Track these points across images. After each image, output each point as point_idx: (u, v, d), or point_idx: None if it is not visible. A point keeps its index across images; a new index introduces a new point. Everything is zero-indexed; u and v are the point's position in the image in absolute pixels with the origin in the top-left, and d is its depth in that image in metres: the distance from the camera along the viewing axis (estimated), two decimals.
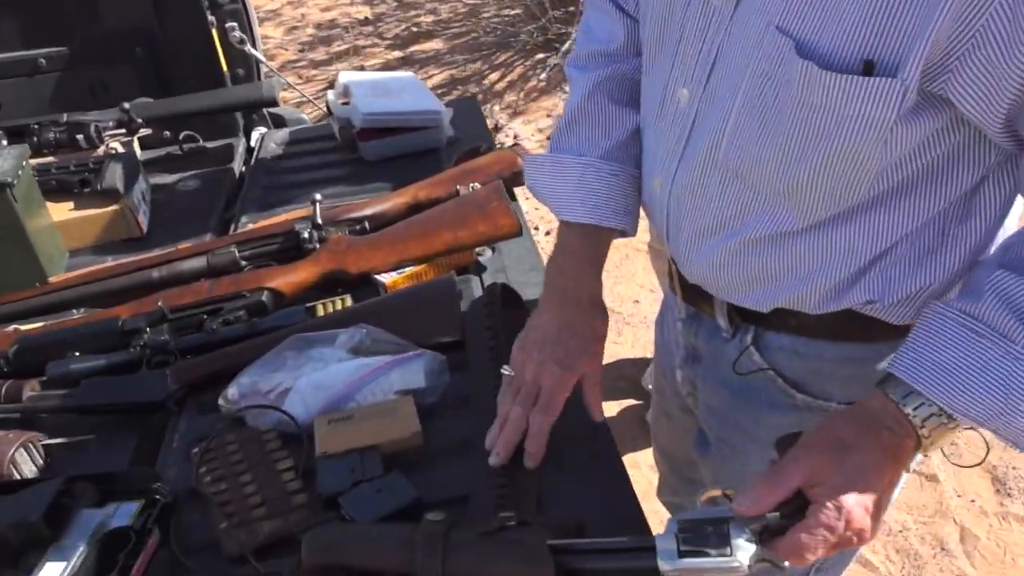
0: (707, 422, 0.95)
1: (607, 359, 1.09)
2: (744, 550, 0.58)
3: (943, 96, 0.59)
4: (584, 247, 0.86)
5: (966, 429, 0.63)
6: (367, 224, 1.18)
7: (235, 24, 1.70)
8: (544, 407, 0.79)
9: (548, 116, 3.56)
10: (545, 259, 0.95)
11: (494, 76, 3.89)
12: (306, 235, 1.13)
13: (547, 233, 2.80)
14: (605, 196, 0.85)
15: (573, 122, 0.88)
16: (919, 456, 0.67)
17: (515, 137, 3.42)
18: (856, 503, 0.59)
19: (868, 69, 0.58)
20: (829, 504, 0.58)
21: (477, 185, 1.21)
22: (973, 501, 1.85)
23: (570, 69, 0.92)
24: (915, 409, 0.62)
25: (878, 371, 0.74)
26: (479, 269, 1.14)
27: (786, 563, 0.60)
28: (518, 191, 1.30)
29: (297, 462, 0.79)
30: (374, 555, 0.66)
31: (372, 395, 0.86)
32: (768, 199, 0.71)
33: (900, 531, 1.79)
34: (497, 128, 3.48)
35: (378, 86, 1.60)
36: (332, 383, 0.86)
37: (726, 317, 0.83)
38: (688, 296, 0.88)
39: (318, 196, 1.19)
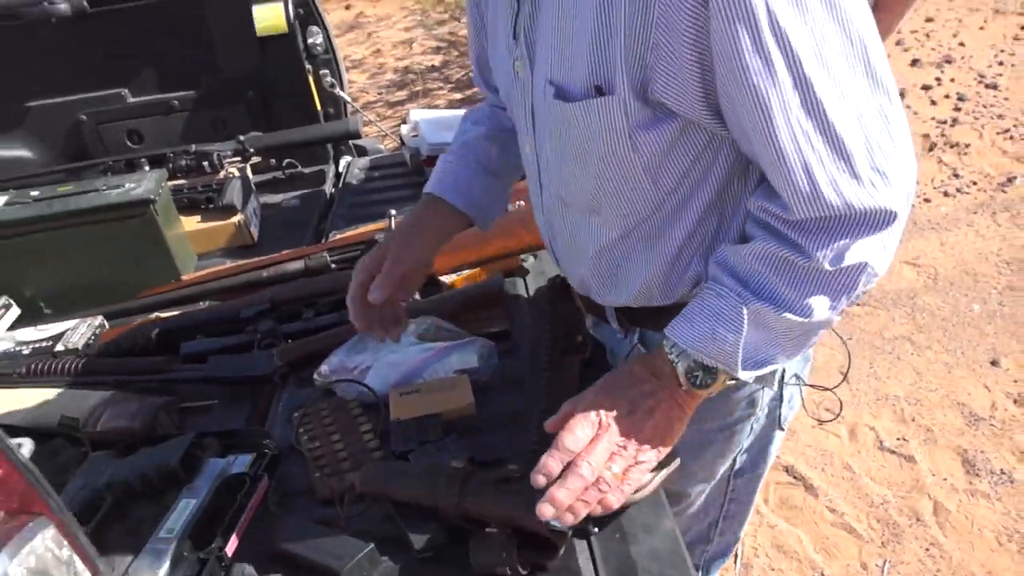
0: None
1: None
2: None
3: (667, 106, 0.63)
4: (425, 214, 0.91)
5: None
6: None
7: (327, 71, 1.76)
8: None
9: None
10: None
11: None
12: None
13: None
14: (441, 172, 0.91)
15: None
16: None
17: None
18: (586, 408, 0.66)
19: (599, 92, 0.64)
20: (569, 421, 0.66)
21: (522, 203, 1.23)
22: (946, 479, 1.80)
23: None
24: (670, 349, 0.67)
25: None
26: (523, 272, 1.16)
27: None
28: None
29: (375, 425, 0.81)
30: (409, 488, 0.69)
31: (435, 373, 0.88)
32: (589, 217, 0.75)
33: (881, 503, 1.76)
34: None
35: (442, 121, 1.63)
36: (404, 363, 0.88)
37: (616, 321, 0.87)
38: (587, 306, 0.92)
39: (393, 212, 1.22)
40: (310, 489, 0.76)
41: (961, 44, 3.73)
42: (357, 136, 1.68)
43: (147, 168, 1.47)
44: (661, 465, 0.68)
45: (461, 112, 1.76)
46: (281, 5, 1.65)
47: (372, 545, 0.66)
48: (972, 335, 2.21)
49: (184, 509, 0.70)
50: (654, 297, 0.77)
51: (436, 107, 4.01)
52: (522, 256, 1.16)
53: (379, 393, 0.86)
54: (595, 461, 0.63)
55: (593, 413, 0.65)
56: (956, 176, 2.96)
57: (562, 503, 0.60)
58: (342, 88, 1.78)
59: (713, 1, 0.53)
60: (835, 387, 0.83)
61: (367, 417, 0.83)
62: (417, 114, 1.65)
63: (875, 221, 0.59)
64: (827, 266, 0.60)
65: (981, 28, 3.83)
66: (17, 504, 0.40)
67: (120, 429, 0.85)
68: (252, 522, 0.72)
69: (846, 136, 0.57)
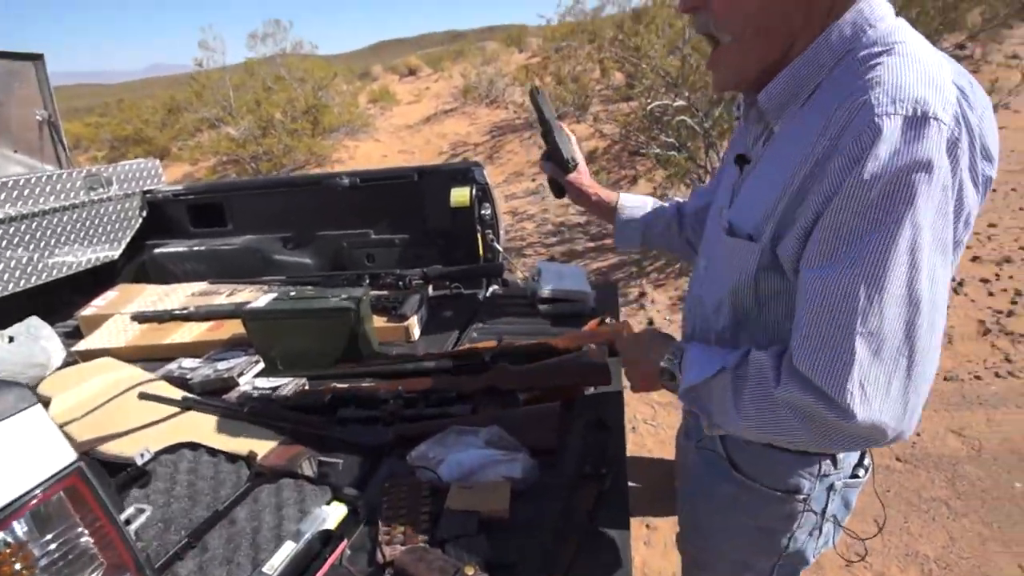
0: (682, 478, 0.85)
1: None
2: None
3: (784, 262, 0.59)
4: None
5: None
6: (525, 357, 1.15)
7: (490, 231, 1.82)
8: None
9: (676, 290, 3.35)
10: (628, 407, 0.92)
11: (648, 261, 3.79)
12: (487, 359, 1.13)
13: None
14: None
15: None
16: None
17: (652, 301, 3.25)
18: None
19: (750, 239, 0.62)
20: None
21: (592, 346, 1.14)
22: None
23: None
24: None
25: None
26: (580, 398, 1.05)
27: None
28: None
29: (432, 510, 0.75)
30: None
31: (487, 476, 0.80)
32: (712, 312, 0.72)
33: None
34: (642, 294, 3.34)
35: (557, 271, 1.61)
36: (466, 462, 0.81)
37: None
38: None
39: (502, 337, 1.19)
40: (376, 546, 0.70)
41: (1022, 248, 3.06)
42: (500, 274, 1.70)
43: (367, 281, 1.60)
44: None
45: (574, 267, 1.75)
46: (468, 189, 1.76)
47: None
48: (1012, 512, 1.66)
49: (285, 551, 0.67)
50: None
51: (576, 251, 4.03)
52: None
53: (445, 480, 0.80)
54: None
55: None
56: (1008, 360, 2.34)
57: None
58: (498, 243, 1.83)
59: (836, 197, 0.51)
60: (868, 538, 0.68)
61: (431, 500, 0.77)
62: (542, 264, 1.65)
63: (837, 409, 0.52)
64: (777, 395, 0.56)
65: None
66: (119, 563, 0.39)
67: (277, 467, 0.86)
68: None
69: (859, 355, 0.51)
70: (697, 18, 0.60)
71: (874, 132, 0.48)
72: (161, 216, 2.01)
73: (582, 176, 1.04)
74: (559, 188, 1.08)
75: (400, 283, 1.60)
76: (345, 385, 1.11)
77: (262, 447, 0.91)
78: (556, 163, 1.03)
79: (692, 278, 0.82)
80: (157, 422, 1.00)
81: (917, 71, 0.50)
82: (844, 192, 0.50)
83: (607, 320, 1.31)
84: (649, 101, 3.65)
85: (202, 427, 0.98)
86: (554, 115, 1.03)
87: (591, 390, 1.06)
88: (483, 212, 1.79)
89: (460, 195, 1.76)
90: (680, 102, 3.45)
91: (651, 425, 2.17)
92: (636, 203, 1.03)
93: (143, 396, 1.08)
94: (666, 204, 1.03)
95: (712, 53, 0.62)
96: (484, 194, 1.79)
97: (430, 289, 1.67)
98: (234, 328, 1.43)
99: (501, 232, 1.86)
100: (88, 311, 1.63)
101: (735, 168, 0.70)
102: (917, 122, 0.48)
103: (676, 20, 3.66)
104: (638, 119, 3.94)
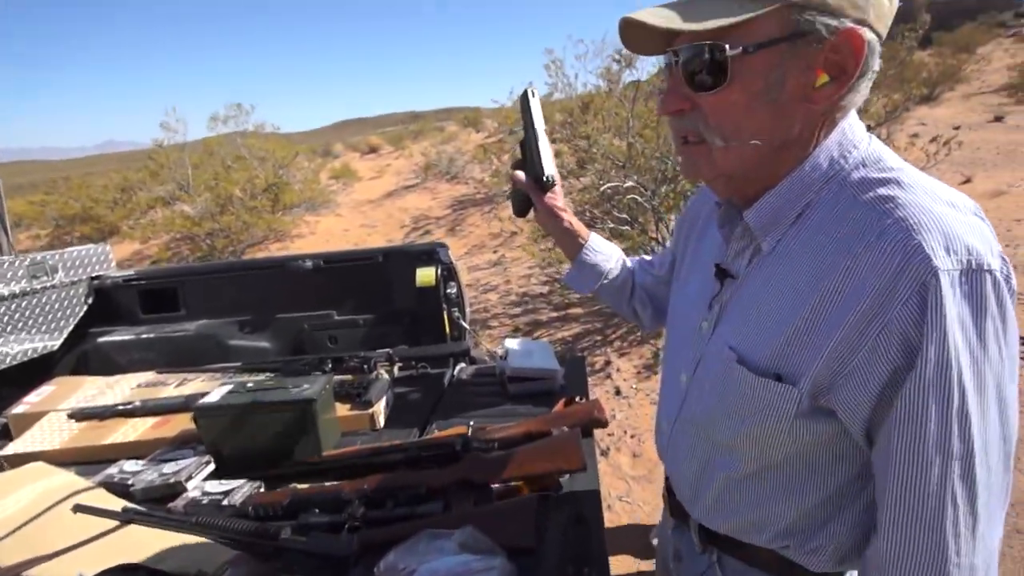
0: None
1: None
2: None
3: (831, 411, 0.55)
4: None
5: None
6: (496, 444, 1.13)
7: (456, 309, 1.83)
8: None
9: (640, 357, 3.41)
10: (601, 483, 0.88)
11: (611, 329, 3.86)
12: (458, 448, 1.09)
13: (602, 453, 2.53)
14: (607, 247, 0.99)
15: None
16: None
17: (617, 369, 3.28)
18: None
19: (778, 379, 0.57)
20: None
21: (565, 428, 1.13)
22: None
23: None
24: None
25: None
26: (558, 488, 1.03)
27: None
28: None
29: None
30: None
31: None
32: (721, 449, 0.66)
33: None
34: (608, 363, 3.37)
35: (524, 349, 1.61)
36: (442, 571, 0.76)
37: (697, 535, 0.72)
38: (675, 513, 0.78)
39: (472, 422, 1.16)
40: None
41: None
42: (467, 355, 1.69)
43: (329, 366, 1.54)
44: None
45: (541, 343, 1.76)
46: (433, 269, 1.79)
47: None
48: None
49: None
50: (745, 536, 0.65)
51: (540, 321, 4.07)
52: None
53: None
54: None
55: None
56: None
57: None
58: (465, 321, 1.84)
59: (916, 370, 0.48)
60: None
61: None
62: (509, 342, 1.65)
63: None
64: None
65: None
66: None
67: None
68: None
69: (981, 507, 0.50)
70: (680, 120, 0.56)
71: (940, 287, 0.47)
72: (108, 302, 1.91)
73: (556, 197, 0.92)
74: (524, 205, 0.94)
75: (365, 366, 1.55)
76: (306, 485, 1.04)
77: (212, 565, 0.82)
78: (532, 178, 0.90)
79: (668, 389, 0.76)
80: (93, 539, 0.90)
81: (952, 213, 0.50)
82: (924, 353, 0.47)
83: (577, 399, 1.31)
84: (602, 182, 3.90)
85: (144, 543, 0.88)
86: (543, 124, 0.89)
87: (566, 478, 1.03)
88: (449, 291, 1.81)
89: (426, 275, 1.78)
90: (630, 183, 3.71)
91: (626, 502, 2.11)
92: (604, 250, 0.96)
93: (78, 508, 0.97)
94: (629, 264, 0.99)
95: (691, 147, 0.57)
96: (449, 273, 1.82)
97: (396, 370, 1.63)
98: (183, 423, 1.33)
99: (467, 309, 1.87)
100: (19, 408, 1.48)
101: (712, 279, 0.66)
102: (976, 275, 0.48)
103: (620, 109, 4.02)
104: (592, 197, 4.18)
